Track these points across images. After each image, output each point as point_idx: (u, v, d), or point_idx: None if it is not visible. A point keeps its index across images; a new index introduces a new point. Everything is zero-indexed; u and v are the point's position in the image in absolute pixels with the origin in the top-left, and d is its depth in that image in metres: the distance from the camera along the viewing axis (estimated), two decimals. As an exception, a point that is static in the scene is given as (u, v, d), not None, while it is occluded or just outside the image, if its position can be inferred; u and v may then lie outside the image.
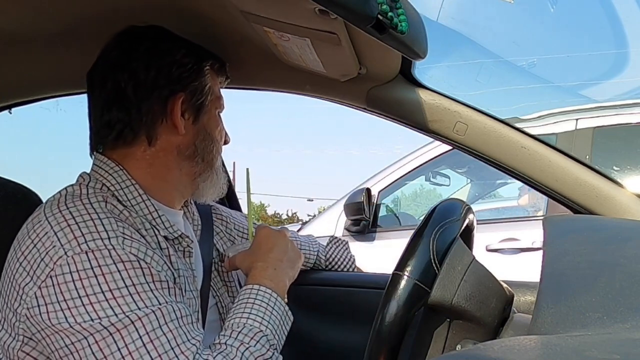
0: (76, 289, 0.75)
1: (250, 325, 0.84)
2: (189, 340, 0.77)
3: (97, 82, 0.93)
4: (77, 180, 0.90)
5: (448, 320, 0.79)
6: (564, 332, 0.48)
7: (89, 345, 0.74)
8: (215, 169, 0.99)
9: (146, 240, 0.84)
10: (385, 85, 1.09)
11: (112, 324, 0.74)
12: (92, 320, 0.74)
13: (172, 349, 0.75)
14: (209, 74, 0.96)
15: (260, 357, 0.82)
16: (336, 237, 1.36)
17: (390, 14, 0.69)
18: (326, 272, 1.31)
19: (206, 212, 1.12)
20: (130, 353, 0.74)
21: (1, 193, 1.13)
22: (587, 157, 2.56)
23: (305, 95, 1.20)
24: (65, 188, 0.88)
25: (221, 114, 1.01)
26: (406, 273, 0.72)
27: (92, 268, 0.76)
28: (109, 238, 0.78)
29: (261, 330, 0.83)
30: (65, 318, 0.75)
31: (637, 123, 2.68)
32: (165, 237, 0.90)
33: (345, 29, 0.82)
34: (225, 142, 1.03)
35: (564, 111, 2.82)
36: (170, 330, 0.76)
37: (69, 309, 0.75)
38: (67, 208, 0.81)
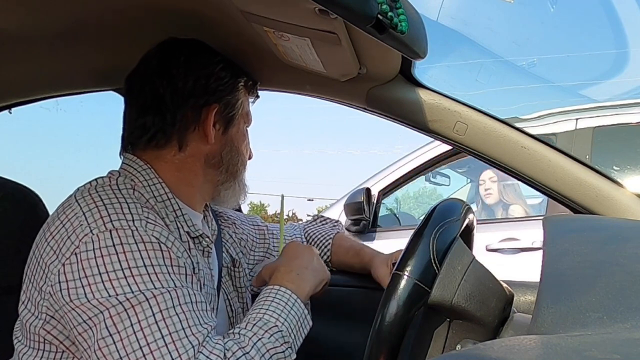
0: (97, 265, 0.78)
1: (267, 320, 0.86)
2: (200, 324, 0.79)
3: (135, 86, 0.96)
4: (107, 175, 0.93)
5: (448, 320, 0.79)
6: (564, 332, 0.48)
7: (104, 320, 0.76)
8: (239, 180, 1.03)
9: (169, 229, 0.87)
10: (385, 85, 1.09)
11: (128, 300, 0.76)
12: (109, 295, 0.76)
13: (184, 329, 0.77)
14: (242, 90, 1.00)
15: (272, 350, 0.83)
16: (320, 216, 1.40)
17: (390, 13, 0.69)
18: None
19: (215, 217, 1.13)
20: (142, 329, 0.76)
21: (1, 193, 1.13)
22: (587, 157, 2.56)
23: (305, 95, 1.20)
24: (96, 179, 0.91)
25: (248, 130, 1.05)
26: (406, 273, 0.72)
27: (114, 246, 0.79)
28: (132, 220, 0.82)
29: (276, 326, 0.85)
30: (85, 294, 0.77)
31: (637, 123, 2.68)
32: (188, 233, 0.92)
33: (345, 29, 0.82)
34: (249, 157, 1.06)
35: (564, 111, 2.82)
36: (184, 312, 0.78)
37: (88, 285, 0.77)
38: (97, 192, 0.85)
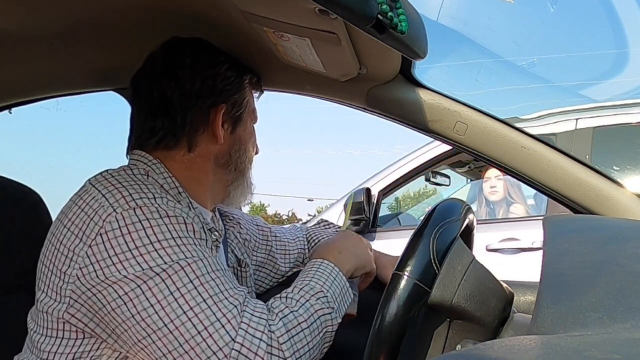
0: (126, 242, 0.78)
1: (313, 286, 0.88)
2: (235, 287, 0.81)
3: (143, 89, 0.96)
4: (118, 168, 0.93)
5: (448, 320, 0.79)
6: (564, 332, 0.48)
7: (143, 292, 0.77)
8: (246, 178, 1.04)
9: (183, 211, 0.87)
10: (385, 85, 1.09)
11: (164, 270, 0.77)
12: (142, 269, 0.77)
13: (222, 292, 0.79)
14: (247, 87, 1.01)
15: (320, 312, 0.85)
16: (324, 220, 1.40)
17: (390, 13, 0.69)
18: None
19: (220, 216, 1.14)
20: (182, 295, 0.77)
21: (1, 193, 1.13)
22: (587, 157, 2.56)
23: (305, 95, 1.20)
24: (107, 170, 0.90)
25: (254, 126, 1.06)
26: (406, 273, 0.72)
27: (140, 222, 0.79)
28: (154, 198, 0.83)
29: (322, 291, 0.88)
30: (118, 271, 0.77)
31: (637, 123, 2.68)
32: (202, 223, 0.92)
33: (345, 29, 0.82)
34: (256, 153, 1.07)
35: (564, 111, 2.82)
36: (218, 277, 0.80)
37: (120, 262, 0.78)
38: (113, 177, 0.86)
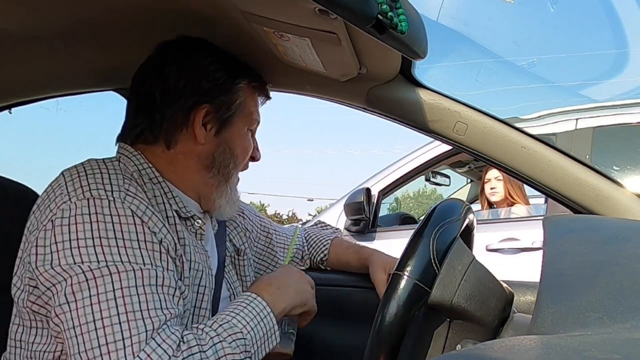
0: (69, 232, 0.78)
1: (234, 324, 0.84)
2: (160, 308, 0.77)
3: (135, 85, 0.97)
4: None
5: (448, 320, 0.79)
6: (564, 332, 0.48)
7: (65, 288, 0.76)
8: (230, 183, 1.01)
9: (151, 203, 0.86)
10: (385, 85, 1.09)
11: (91, 270, 0.76)
12: (73, 262, 0.76)
13: (141, 310, 0.75)
14: (242, 91, 0.99)
15: (230, 356, 0.81)
16: (322, 222, 1.42)
17: (390, 13, 0.69)
18: (326, 272, 1.31)
19: None
20: (99, 302, 0.75)
21: (1, 192, 1.13)
22: (587, 157, 2.56)
23: (305, 95, 1.20)
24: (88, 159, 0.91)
25: (254, 131, 1.04)
26: (406, 273, 0.72)
27: (89, 214, 0.79)
28: (112, 190, 0.82)
29: (241, 332, 0.83)
30: (51, 261, 0.77)
31: (637, 123, 2.68)
32: (176, 212, 0.92)
33: (345, 29, 0.82)
34: (254, 159, 1.05)
35: (564, 111, 2.82)
36: (145, 293, 0.77)
37: (57, 251, 0.77)
38: (83, 165, 0.87)
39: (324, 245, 1.31)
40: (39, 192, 1.17)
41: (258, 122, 1.04)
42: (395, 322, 0.71)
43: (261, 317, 0.87)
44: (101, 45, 1.08)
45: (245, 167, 1.05)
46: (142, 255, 0.79)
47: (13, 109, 1.33)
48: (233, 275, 1.08)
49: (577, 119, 2.71)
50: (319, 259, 1.31)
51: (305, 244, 1.32)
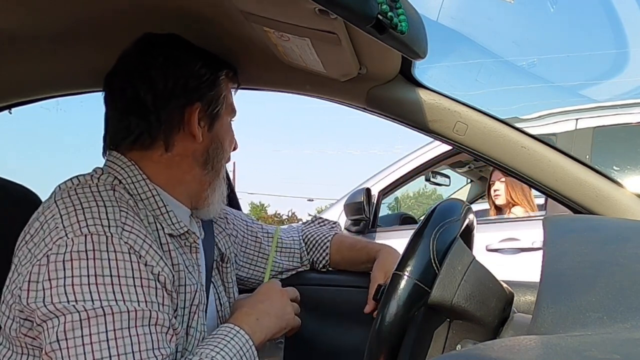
0: (64, 269, 0.76)
1: None
2: (153, 349, 0.78)
3: (116, 87, 0.95)
4: (90, 173, 0.92)
5: (448, 320, 0.79)
6: (564, 332, 0.48)
7: (56, 326, 0.75)
8: (221, 178, 1.01)
9: (147, 231, 0.85)
10: (385, 85, 1.09)
11: (85, 310, 0.75)
12: (67, 301, 0.75)
13: (133, 352, 0.75)
14: (223, 83, 0.98)
15: None
16: (318, 217, 1.38)
17: (390, 14, 0.69)
18: (326, 272, 1.31)
19: None
20: (91, 343, 0.74)
21: (1, 193, 1.13)
22: (587, 157, 2.56)
23: (305, 95, 1.20)
24: (77, 177, 0.90)
25: (232, 122, 1.04)
26: (406, 273, 0.72)
27: (85, 251, 0.77)
28: (109, 226, 0.80)
29: None
30: (43, 298, 0.76)
31: (637, 123, 2.68)
32: (170, 234, 0.91)
33: (345, 29, 0.82)
34: (234, 149, 1.05)
35: (564, 111, 2.82)
36: (138, 335, 0.77)
37: (50, 288, 0.76)
38: (77, 194, 0.84)
39: (324, 250, 1.29)
40: (39, 193, 1.17)
41: (236, 112, 1.04)
42: (395, 322, 0.71)
43: (244, 352, 0.88)
44: (101, 45, 1.08)
45: (229, 159, 1.05)
46: (136, 293, 0.78)
47: (13, 109, 1.33)
48: (218, 280, 1.08)
49: (577, 119, 2.72)
50: (320, 261, 1.29)
51: (303, 247, 1.31)
